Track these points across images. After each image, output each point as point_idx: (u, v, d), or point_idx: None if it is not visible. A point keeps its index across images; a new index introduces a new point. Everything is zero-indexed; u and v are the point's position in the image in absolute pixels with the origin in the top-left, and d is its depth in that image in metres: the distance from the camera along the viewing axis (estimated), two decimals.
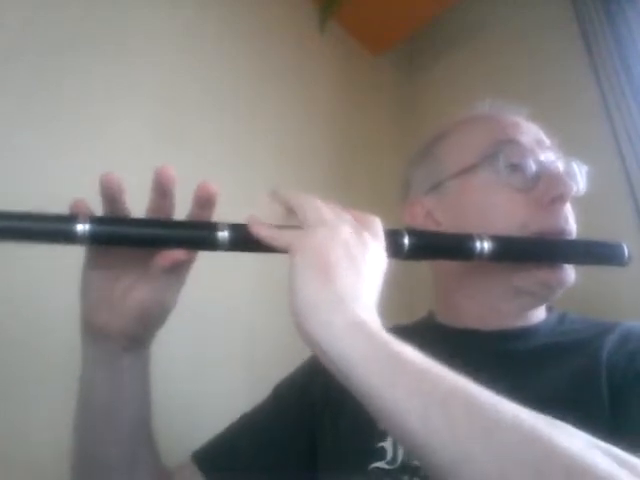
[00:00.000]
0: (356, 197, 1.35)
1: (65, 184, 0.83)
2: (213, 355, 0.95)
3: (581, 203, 0.64)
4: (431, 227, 0.66)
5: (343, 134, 1.39)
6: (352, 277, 0.42)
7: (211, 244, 0.48)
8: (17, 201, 0.80)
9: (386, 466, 0.55)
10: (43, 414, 0.72)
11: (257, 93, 1.19)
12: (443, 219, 0.66)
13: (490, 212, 0.61)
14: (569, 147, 0.66)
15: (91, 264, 0.51)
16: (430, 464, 0.33)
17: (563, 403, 0.51)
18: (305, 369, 0.71)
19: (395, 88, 1.62)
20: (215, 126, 1.08)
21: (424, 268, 0.72)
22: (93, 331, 0.52)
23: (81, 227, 0.44)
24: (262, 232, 0.48)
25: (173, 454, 0.64)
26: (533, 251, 0.60)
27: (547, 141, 0.66)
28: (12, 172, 0.78)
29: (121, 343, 0.51)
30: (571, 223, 0.62)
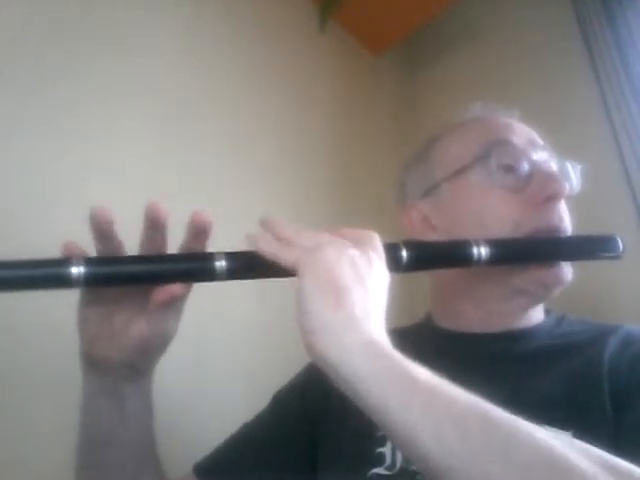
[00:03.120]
0: (356, 197, 1.35)
1: (65, 184, 0.83)
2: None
3: (580, 203, 0.64)
4: (428, 232, 0.66)
5: (343, 134, 1.39)
6: (362, 297, 0.42)
7: (209, 275, 0.47)
8: (17, 201, 0.80)
9: (385, 472, 0.55)
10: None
11: (257, 93, 1.19)
12: (438, 223, 0.65)
13: (483, 213, 0.61)
14: (569, 147, 0.66)
15: (87, 300, 0.50)
16: None
17: (563, 406, 0.51)
18: (304, 376, 0.71)
19: (395, 88, 1.62)
20: (215, 126, 1.08)
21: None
22: (93, 363, 0.51)
23: (76, 270, 0.43)
24: (267, 247, 0.47)
25: (175, 467, 0.64)
26: (529, 251, 0.60)
27: (540, 141, 0.66)
28: (12, 172, 0.78)
29: (123, 373, 0.52)
30: (566, 221, 0.61)
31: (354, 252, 0.45)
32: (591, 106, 1.13)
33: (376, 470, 0.55)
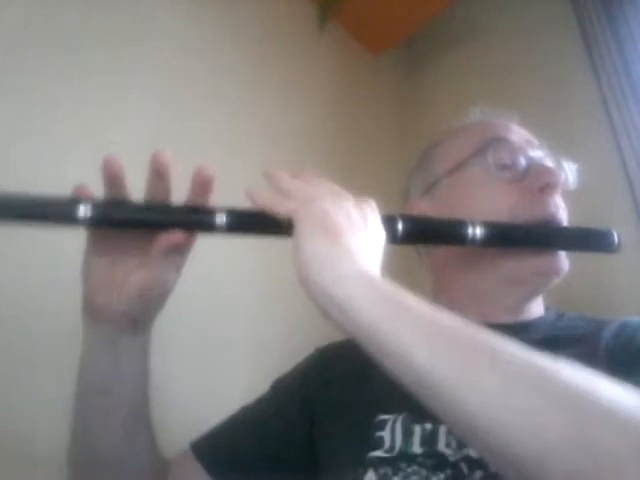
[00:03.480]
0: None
1: (65, 184, 0.83)
2: (214, 348, 0.95)
3: (580, 202, 0.64)
4: None
5: (343, 134, 1.39)
6: (356, 239, 0.44)
7: (209, 226, 0.49)
8: None
9: (384, 454, 0.55)
10: (41, 403, 0.72)
11: (257, 93, 1.19)
12: None
13: (480, 206, 0.62)
14: (569, 146, 0.66)
15: (92, 249, 0.52)
16: (434, 397, 0.35)
17: None
18: (305, 364, 0.71)
19: (395, 88, 1.62)
20: (215, 126, 1.08)
21: (423, 269, 0.72)
22: (94, 312, 0.52)
23: (83, 209, 0.45)
24: (263, 198, 0.49)
25: (172, 447, 0.64)
26: (524, 236, 0.60)
27: (536, 142, 0.67)
28: (12, 172, 0.78)
29: (121, 324, 0.52)
30: (561, 212, 0.62)
31: (349, 204, 0.48)
32: (591, 106, 1.13)
33: (375, 453, 0.55)
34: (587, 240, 0.64)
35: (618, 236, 0.63)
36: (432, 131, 0.74)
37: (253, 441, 0.65)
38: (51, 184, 0.80)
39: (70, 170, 0.84)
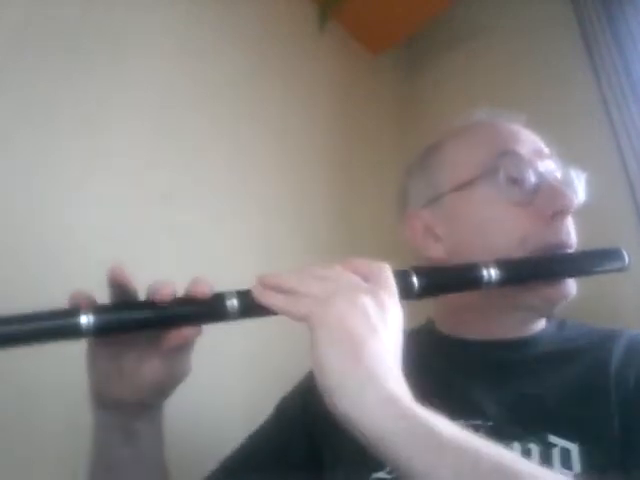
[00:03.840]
0: (356, 197, 1.35)
1: (65, 183, 0.83)
2: (212, 362, 0.95)
3: (581, 204, 0.64)
4: (430, 241, 0.66)
5: (343, 134, 1.39)
6: (378, 348, 0.41)
7: (221, 316, 0.47)
8: (16, 201, 0.80)
9: (387, 476, 0.54)
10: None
11: (257, 93, 1.19)
12: (443, 234, 0.65)
13: (490, 227, 0.61)
14: (568, 147, 0.66)
15: (97, 341, 0.50)
16: None
17: (567, 415, 0.51)
18: (304, 384, 0.70)
19: (395, 88, 1.62)
20: (214, 126, 1.08)
21: None
22: (105, 401, 0.51)
23: (85, 319, 0.43)
24: (274, 302, 0.46)
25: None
26: (537, 270, 0.59)
27: (545, 150, 0.65)
28: (11, 171, 0.78)
29: (134, 410, 0.51)
30: (572, 237, 0.61)
31: (366, 300, 0.43)
32: (591, 106, 1.13)
33: (377, 475, 0.55)
34: (598, 263, 0.63)
35: (628, 255, 0.63)
36: (432, 131, 0.73)
37: (261, 471, 0.65)
38: (51, 184, 0.81)
39: (70, 170, 0.84)
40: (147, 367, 0.49)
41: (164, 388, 0.52)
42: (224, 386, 0.94)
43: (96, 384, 0.51)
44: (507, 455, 0.36)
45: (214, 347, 0.94)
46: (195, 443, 0.83)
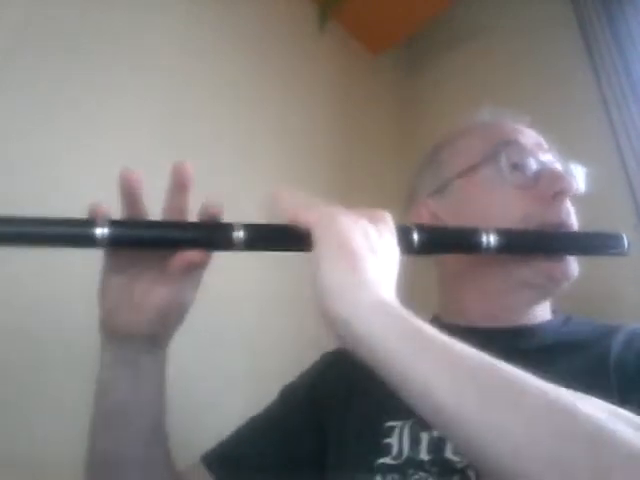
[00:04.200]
0: (356, 197, 1.35)
1: (65, 182, 0.83)
2: (215, 352, 0.95)
3: (581, 202, 0.65)
4: None
5: (343, 134, 1.39)
6: (374, 264, 0.43)
7: (227, 244, 0.49)
8: (16, 201, 0.80)
9: (392, 461, 0.55)
10: (57, 415, 0.73)
11: (257, 93, 1.19)
12: (447, 219, 0.66)
13: (492, 209, 0.63)
14: (569, 147, 0.66)
15: (109, 267, 0.52)
16: (459, 437, 0.34)
17: None
18: (312, 370, 0.72)
19: (395, 88, 1.62)
20: (215, 126, 1.08)
21: (428, 270, 0.72)
22: (112, 332, 0.52)
23: (100, 231, 0.45)
24: (287, 204, 0.49)
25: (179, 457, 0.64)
26: (537, 243, 0.61)
27: (546, 145, 0.67)
28: (11, 170, 0.78)
29: (140, 343, 0.52)
30: (572, 218, 0.63)
31: (366, 224, 0.47)
32: (591, 106, 1.13)
33: (383, 460, 0.55)
34: (598, 244, 0.65)
35: (627, 239, 0.64)
36: (432, 131, 0.74)
37: (263, 450, 0.65)
38: (51, 184, 0.81)
39: (70, 169, 0.84)
40: (153, 296, 0.51)
41: (168, 318, 0.53)
42: (224, 376, 0.95)
43: (106, 315, 0.52)
44: (492, 359, 0.36)
45: (216, 334, 0.95)
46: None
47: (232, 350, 0.98)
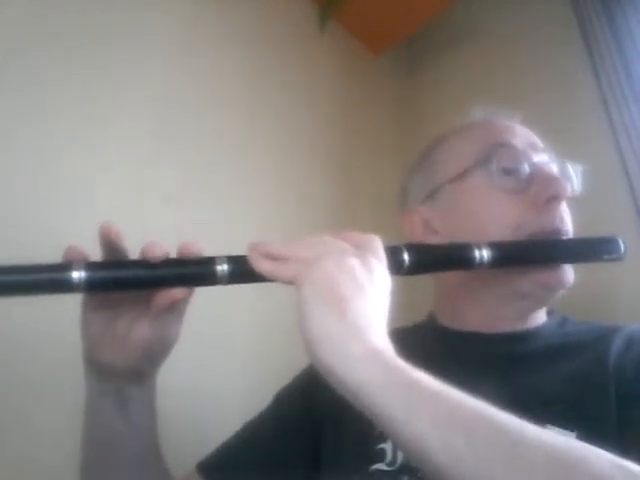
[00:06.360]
0: (356, 197, 1.35)
1: (65, 182, 0.83)
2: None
3: (580, 203, 0.64)
4: (430, 236, 0.66)
5: (343, 134, 1.39)
6: (363, 306, 0.42)
7: (210, 279, 0.48)
8: (17, 200, 0.80)
9: (386, 467, 0.55)
10: (57, 415, 0.73)
11: (257, 93, 1.19)
12: (440, 227, 0.65)
13: (484, 215, 0.61)
14: (569, 147, 0.66)
15: (90, 305, 0.51)
16: None
17: (566, 405, 0.51)
18: (305, 376, 0.71)
19: (395, 88, 1.62)
20: (215, 126, 1.08)
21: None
22: (97, 368, 0.52)
23: (76, 275, 0.44)
24: (263, 267, 0.47)
25: (174, 466, 0.64)
26: (531, 253, 0.59)
27: (540, 144, 0.66)
28: (13, 169, 0.78)
29: (126, 377, 0.52)
30: (567, 223, 0.61)
31: (353, 261, 0.44)
32: (591, 106, 1.13)
33: (377, 466, 0.55)
34: (593, 250, 0.63)
35: (624, 243, 0.62)
36: (432, 131, 0.73)
37: (258, 459, 0.65)
38: (51, 183, 0.81)
39: (70, 169, 0.84)
40: (137, 331, 0.50)
41: (153, 353, 0.52)
42: (225, 376, 0.95)
43: (89, 350, 0.51)
44: (490, 408, 0.36)
45: (216, 337, 0.96)
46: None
47: (232, 360, 0.98)
